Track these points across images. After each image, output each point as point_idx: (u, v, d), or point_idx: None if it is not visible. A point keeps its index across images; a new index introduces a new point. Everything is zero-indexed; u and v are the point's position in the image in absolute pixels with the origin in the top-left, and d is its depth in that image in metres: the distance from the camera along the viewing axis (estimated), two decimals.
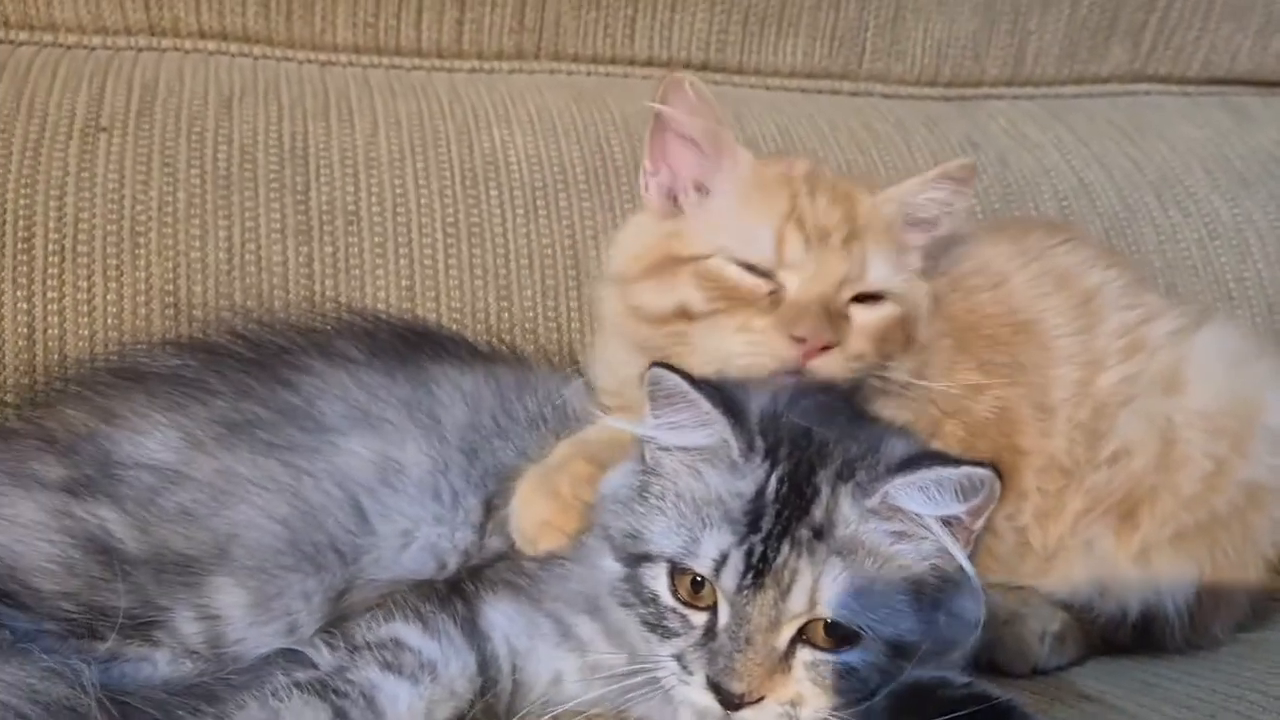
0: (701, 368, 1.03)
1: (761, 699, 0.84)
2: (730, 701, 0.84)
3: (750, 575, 0.84)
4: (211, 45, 1.55)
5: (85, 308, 1.30)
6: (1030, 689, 1.07)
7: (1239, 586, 1.19)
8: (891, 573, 0.86)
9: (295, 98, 1.50)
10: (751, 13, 1.69)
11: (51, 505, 0.98)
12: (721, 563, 0.85)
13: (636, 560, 0.90)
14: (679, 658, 0.87)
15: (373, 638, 0.92)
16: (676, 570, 0.88)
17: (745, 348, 1.02)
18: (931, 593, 0.86)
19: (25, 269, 1.30)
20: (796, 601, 0.84)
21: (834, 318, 1.03)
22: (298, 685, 0.86)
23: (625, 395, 1.10)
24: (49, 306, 1.29)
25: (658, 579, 0.88)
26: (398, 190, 1.44)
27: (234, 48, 1.56)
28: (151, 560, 0.96)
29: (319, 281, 1.37)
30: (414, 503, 1.03)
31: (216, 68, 1.52)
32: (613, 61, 1.68)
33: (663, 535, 0.88)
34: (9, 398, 1.26)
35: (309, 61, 1.58)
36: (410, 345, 1.18)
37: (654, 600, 0.88)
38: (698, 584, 0.87)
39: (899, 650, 0.86)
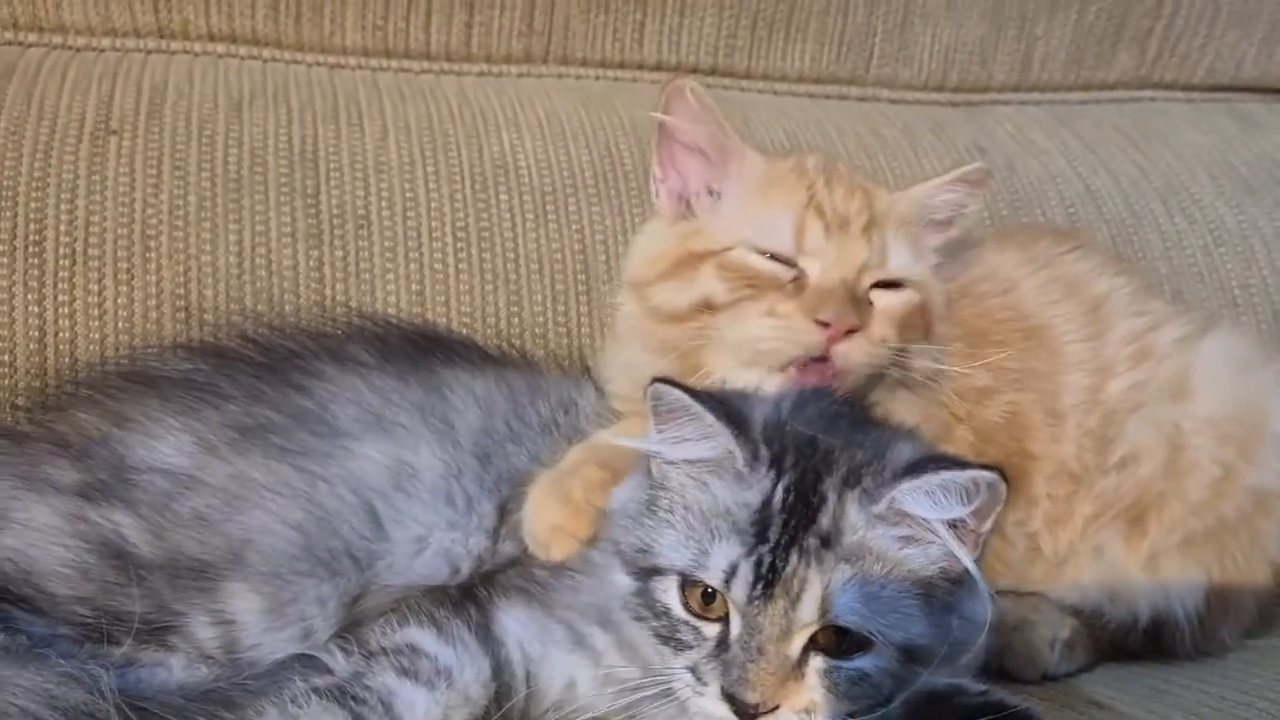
0: (727, 361, 1.04)
1: (776, 708, 0.84)
2: (745, 712, 0.84)
3: (760, 585, 0.84)
4: (220, 48, 1.55)
5: (96, 311, 1.30)
6: (1040, 695, 1.07)
7: (1247, 592, 1.19)
8: (900, 577, 0.86)
9: (305, 101, 1.50)
10: (760, 17, 1.69)
11: (65, 509, 0.97)
12: (731, 574, 0.85)
13: (647, 574, 0.90)
14: (693, 669, 0.87)
15: (388, 643, 0.92)
16: (687, 583, 0.88)
17: (771, 332, 1.02)
18: (942, 596, 0.87)
19: (36, 272, 1.30)
20: (807, 610, 0.84)
21: (858, 302, 1.03)
22: (316, 691, 0.86)
23: (641, 400, 1.10)
24: (60, 310, 1.29)
25: (669, 592, 0.89)
26: (408, 194, 1.44)
27: (243, 50, 1.56)
28: (166, 565, 0.96)
29: (329, 285, 1.37)
30: (428, 508, 1.03)
31: (225, 70, 1.52)
32: (621, 66, 1.68)
33: (672, 548, 0.88)
34: (20, 400, 1.26)
35: (318, 64, 1.58)
36: (421, 349, 1.18)
37: (666, 613, 0.89)
38: (709, 596, 0.87)
39: (911, 655, 0.86)
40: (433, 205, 1.44)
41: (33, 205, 1.32)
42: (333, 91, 1.52)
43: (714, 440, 0.89)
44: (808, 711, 0.85)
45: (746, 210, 1.08)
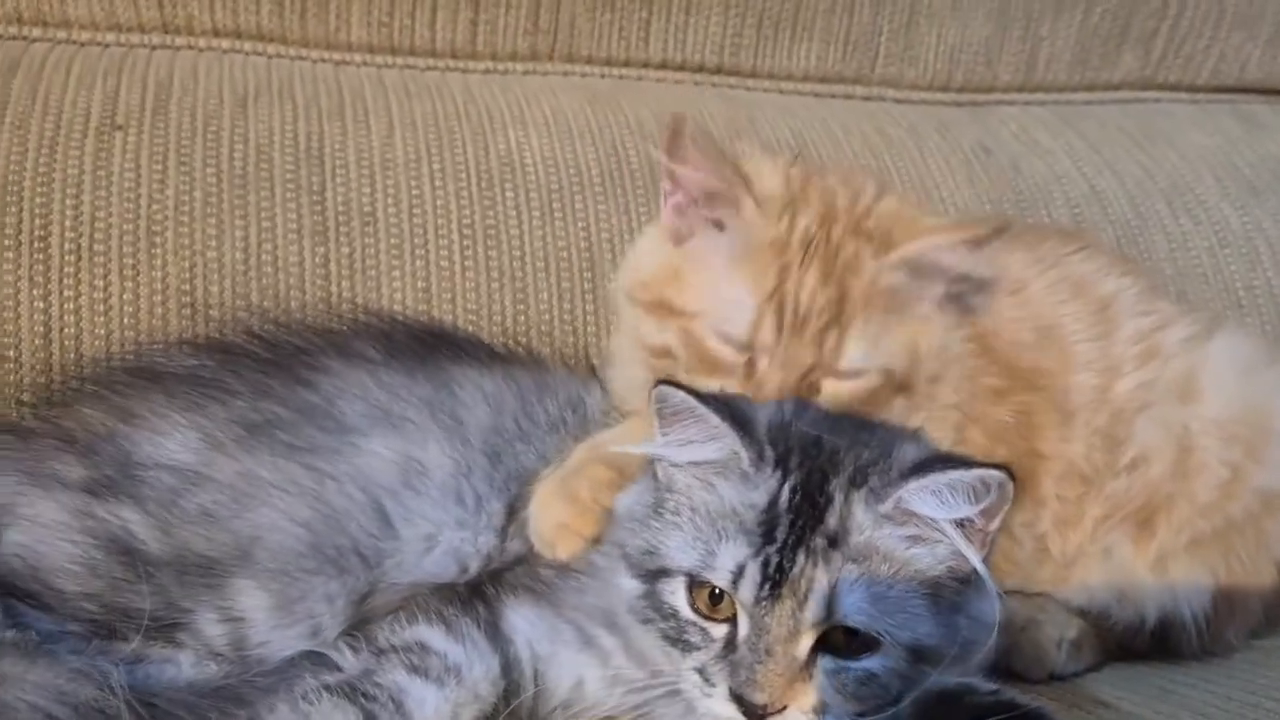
0: None
1: (784, 708, 0.84)
2: (754, 712, 0.84)
3: (767, 586, 0.84)
4: (225, 44, 1.54)
5: (101, 306, 1.29)
6: (1047, 695, 1.07)
7: (1253, 593, 1.19)
8: (908, 577, 0.86)
9: (310, 97, 1.49)
10: (765, 16, 1.69)
11: (73, 505, 0.97)
12: (739, 574, 0.85)
13: (654, 576, 0.90)
14: (701, 671, 0.87)
15: (398, 641, 0.92)
16: (694, 584, 0.88)
17: None
18: (950, 596, 0.87)
19: (41, 267, 1.29)
20: (814, 610, 0.84)
21: (802, 391, 1.02)
22: (327, 688, 0.86)
23: (636, 400, 1.10)
24: (65, 305, 1.29)
25: (676, 593, 0.88)
26: (413, 191, 1.44)
27: (248, 46, 1.55)
28: (174, 562, 0.96)
29: (335, 282, 1.36)
30: (437, 506, 1.03)
31: (231, 66, 1.51)
32: (627, 64, 1.67)
33: (679, 550, 0.88)
34: (26, 396, 1.25)
35: (323, 61, 1.57)
36: (429, 346, 1.17)
37: (674, 614, 0.89)
38: (716, 597, 0.87)
39: (920, 655, 0.86)
40: (438, 203, 1.44)
41: (38, 201, 1.31)
42: (338, 88, 1.52)
43: (719, 441, 0.89)
44: (815, 712, 0.85)
45: (720, 278, 1.06)
